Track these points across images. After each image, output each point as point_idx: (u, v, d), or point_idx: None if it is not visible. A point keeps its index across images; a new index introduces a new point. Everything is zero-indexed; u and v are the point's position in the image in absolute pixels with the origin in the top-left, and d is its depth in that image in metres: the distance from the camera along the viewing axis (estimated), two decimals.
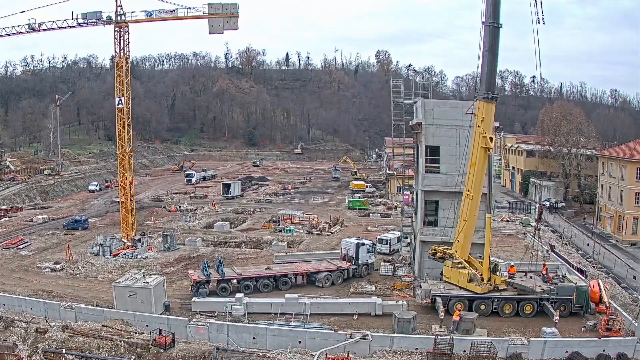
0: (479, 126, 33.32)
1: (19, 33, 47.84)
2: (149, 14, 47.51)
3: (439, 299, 33.62)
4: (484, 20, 32.42)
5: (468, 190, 34.37)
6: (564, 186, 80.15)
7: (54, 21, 47.33)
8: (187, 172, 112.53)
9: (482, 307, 33.90)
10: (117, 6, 47.38)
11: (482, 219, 38.38)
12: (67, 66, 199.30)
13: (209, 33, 46.92)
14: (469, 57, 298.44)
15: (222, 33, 46.91)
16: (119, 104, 49.49)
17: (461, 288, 34.45)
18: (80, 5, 47.26)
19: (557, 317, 31.67)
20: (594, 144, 78.82)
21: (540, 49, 32.49)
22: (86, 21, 47.44)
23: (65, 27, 47.50)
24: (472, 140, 34.05)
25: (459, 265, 34.98)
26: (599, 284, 35.68)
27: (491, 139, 33.25)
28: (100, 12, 47.37)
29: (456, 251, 35.26)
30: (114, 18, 47.32)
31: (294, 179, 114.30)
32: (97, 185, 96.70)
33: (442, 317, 31.94)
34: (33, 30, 47.58)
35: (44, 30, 47.72)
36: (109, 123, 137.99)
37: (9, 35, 47.63)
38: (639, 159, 58.37)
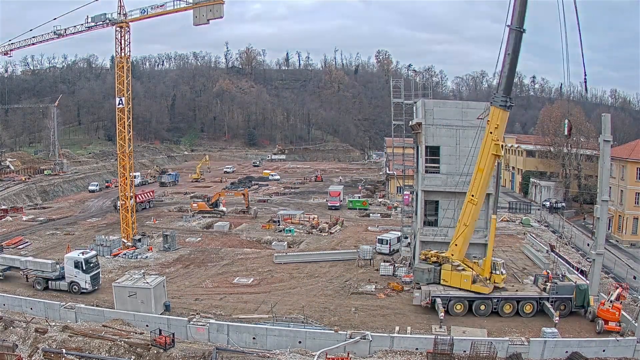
0: (491, 132, 32.93)
1: (47, 40, 50.51)
2: (144, 11, 47.97)
3: (438, 300, 33.64)
4: (509, 24, 32.03)
5: (472, 195, 34.07)
6: (564, 186, 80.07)
7: (74, 26, 49.28)
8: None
9: (482, 307, 33.90)
10: (119, 6, 47.83)
11: (483, 219, 38.59)
12: (67, 66, 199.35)
13: (194, 24, 45.97)
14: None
15: (208, 23, 45.80)
16: (119, 104, 49.60)
17: (464, 290, 34.16)
18: (80, 8, 48.40)
19: (557, 317, 31.67)
20: (594, 144, 78.63)
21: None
22: (95, 24, 48.39)
23: (81, 32, 49.27)
24: (482, 145, 33.48)
25: (459, 268, 34.85)
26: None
27: (502, 146, 33.08)
28: (105, 14, 47.97)
29: (452, 254, 35.06)
30: (117, 18, 47.71)
31: (294, 179, 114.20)
32: (97, 185, 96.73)
33: (442, 318, 31.95)
34: (59, 36, 49.68)
35: (69, 35, 49.64)
36: (109, 123, 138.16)
37: (40, 42, 50.79)
38: (639, 159, 58.37)
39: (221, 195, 74.13)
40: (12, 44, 52.53)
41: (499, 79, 33.57)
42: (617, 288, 34.87)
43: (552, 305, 33.28)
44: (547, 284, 34.64)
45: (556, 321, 31.31)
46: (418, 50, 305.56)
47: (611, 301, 32.18)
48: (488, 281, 34.42)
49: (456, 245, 34.96)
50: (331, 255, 48.11)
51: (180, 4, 45.99)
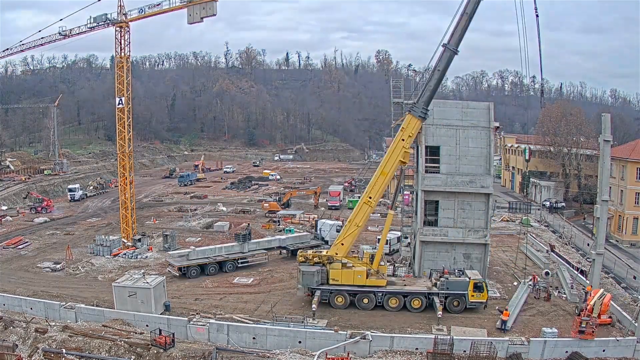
0: (403, 139, 35.01)
1: (53, 41, 50.71)
2: (141, 10, 48.28)
3: (317, 292, 34.62)
4: (446, 43, 33.98)
5: (370, 198, 35.38)
6: (564, 186, 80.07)
7: (78, 27, 49.52)
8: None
9: (365, 300, 34.60)
10: (119, 6, 47.93)
11: (482, 219, 38.57)
12: (67, 66, 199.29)
13: (188, 23, 46.40)
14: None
15: (202, 21, 46.15)
16: (119, 103, 49.66)
17: (359, 286, 34.83)
18: (83, 9, 48.97)
19: (440, 313, 32.45)
20: (594, 144, 78.59)
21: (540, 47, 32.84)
22: (97, 24, 48.56)
23: (84, 32, 49.40)
24: (390, 150, 35.59)
25: (349, 265, 35.52)
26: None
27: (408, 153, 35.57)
28: (106, 14, 48.09)
29: (336, 253, 35.64)
30: (117, 18, 47.70)
31: (294, 179, 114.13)
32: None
33: (314, 309, 32.68)
34: (65, 37, 49.85)
35: (73, 35, 49.83)
36: (109, 123, 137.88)
37: (48, 43, 51.05)
38: (639, 159, 58.34)
39: (292, 195, 76.57)
40: (22, 44, 52.67)
41: (422, 90, 35.69)
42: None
43: (442, 301, 33.73)
44: (440, 279, 34.82)
45: (439, 316, 32.26)
46: (416, 55, 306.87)
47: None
48: (379, 273, 35.32)
49: (342, 244, 35.62)
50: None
51: (175, 2, 46.35)
